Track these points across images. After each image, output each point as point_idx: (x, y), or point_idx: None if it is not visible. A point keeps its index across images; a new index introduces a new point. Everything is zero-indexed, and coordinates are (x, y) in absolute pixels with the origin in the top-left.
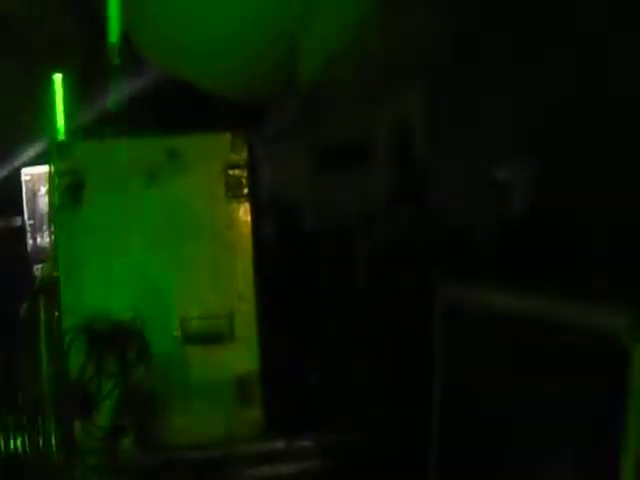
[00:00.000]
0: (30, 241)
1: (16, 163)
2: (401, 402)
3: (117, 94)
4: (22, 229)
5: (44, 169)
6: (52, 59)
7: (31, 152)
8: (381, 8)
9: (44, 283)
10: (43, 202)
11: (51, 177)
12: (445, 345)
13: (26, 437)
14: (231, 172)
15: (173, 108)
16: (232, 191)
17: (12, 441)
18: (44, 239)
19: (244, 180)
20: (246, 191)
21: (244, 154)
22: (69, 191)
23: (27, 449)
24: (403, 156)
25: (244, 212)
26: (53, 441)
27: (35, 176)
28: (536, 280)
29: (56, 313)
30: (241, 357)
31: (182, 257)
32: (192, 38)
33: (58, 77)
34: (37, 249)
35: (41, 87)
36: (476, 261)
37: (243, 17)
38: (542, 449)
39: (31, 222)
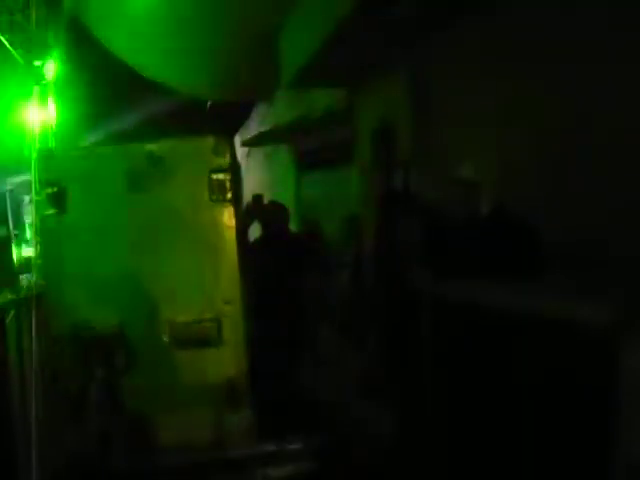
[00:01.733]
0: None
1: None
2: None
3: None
4: (8, 239)
5: (27, 179)
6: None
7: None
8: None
9: (30, 292)
10: (27, 212)
11: (34, 186)
12: (433, 340)
13: None
14: (214, 176)
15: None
16: (216, 195)
17: None
18: (29, 248)
19: (228, 184)
20: (230, 195)
21: (227, 158)
22: (53, 200)
23: None
24: (385, 153)
25: (228, 216)
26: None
27: (19, 186)
28: (519, 276)
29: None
30: (229, 360)
31: (167, 262)
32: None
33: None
34: (22, 258)
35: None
36: (457, 258)
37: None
38: (530, 442)
39: (16, 232)
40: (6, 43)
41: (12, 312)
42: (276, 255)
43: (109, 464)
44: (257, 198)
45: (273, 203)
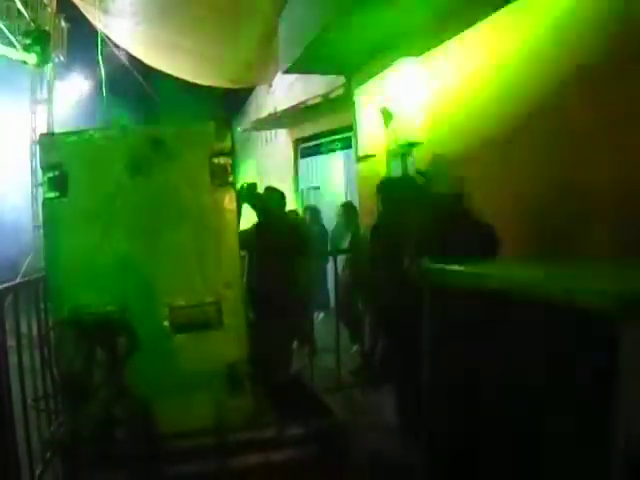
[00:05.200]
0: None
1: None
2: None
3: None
4: None
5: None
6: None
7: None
8: None
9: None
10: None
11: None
12: (432, 326)
13: None
14: (216, 160)
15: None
16: (217, 179)
17: None
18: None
19: (229, 168)
20: (231, 179)
21: (228, 142)
22: (54, 183)
23: None
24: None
25: (229, 200)
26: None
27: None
28: (521, 262)
29: (42, 306)
30: (230, 344)
31: (168, 246)
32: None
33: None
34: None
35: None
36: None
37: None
38: (528, 428)
39: None
40: (4, 29)
41: (10, 296)
42: (273, 241)
43: (111, 449)
44: (251, 187)
45: (270, 189)
